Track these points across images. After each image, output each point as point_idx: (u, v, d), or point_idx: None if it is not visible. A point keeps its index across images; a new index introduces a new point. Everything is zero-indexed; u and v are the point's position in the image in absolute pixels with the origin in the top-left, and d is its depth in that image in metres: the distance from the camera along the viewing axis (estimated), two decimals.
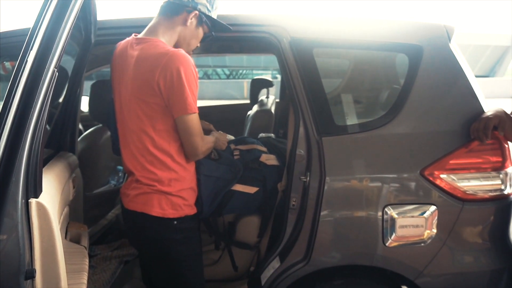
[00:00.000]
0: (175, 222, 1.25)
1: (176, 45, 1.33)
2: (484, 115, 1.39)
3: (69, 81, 1.44)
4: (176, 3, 1.27)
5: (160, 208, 1.22)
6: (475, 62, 26.73)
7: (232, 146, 1.60)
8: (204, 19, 1.32)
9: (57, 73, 0.78)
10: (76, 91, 1.43)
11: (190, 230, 1.32)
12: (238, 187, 1.49)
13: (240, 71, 25.61)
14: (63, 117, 1.42)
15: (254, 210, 1.61)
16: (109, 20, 1.65)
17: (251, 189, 1.52)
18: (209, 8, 1.32)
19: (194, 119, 1.20)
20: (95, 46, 1.46)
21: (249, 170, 1.53)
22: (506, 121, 1.38)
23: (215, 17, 1.36)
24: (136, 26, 1.58)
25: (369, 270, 1.52)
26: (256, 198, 1.55)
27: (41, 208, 0.78)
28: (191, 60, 1.20)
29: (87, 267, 0.97)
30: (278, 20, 1.49)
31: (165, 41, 1.27)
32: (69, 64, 1.49)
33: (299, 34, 1.46)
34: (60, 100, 1.53)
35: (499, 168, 1.43)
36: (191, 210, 1.32)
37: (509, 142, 1.45)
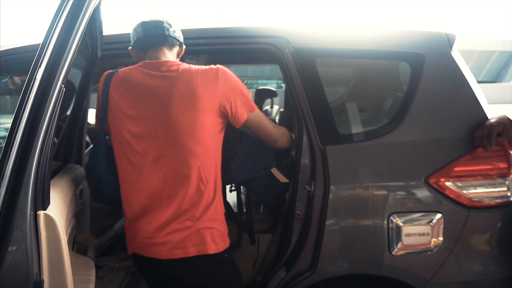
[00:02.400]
0: (226, 255, 1.15)
1: None
2: (488, 122, 1.39)
3: (76, 95, 1.47)
4: (172, 37, 1.31)
5: (214, 243, 1.11)
6: (482, 68, 26.58)
7: None
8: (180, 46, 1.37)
9: (64, 89, 0.81)
10: (83, 104, 1.46)
11: (233, 261, 1.23)
12: (273, 170, 1.48)
13: (245, 81, 25.78)
14: (70, 130, 1.44)
15: (270, 197, 1.58)
16: (115, 34, 1.70)
17: (283, 178, 1.50)
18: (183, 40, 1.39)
19: (260, 113, 1.30)
20: (101, 60, 1.50)
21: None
22: (509, 128, 1.38)
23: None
24: None
25: (376, 279, 1.51)
26: (279, 186, 1.49)
27: (49, 220, 0.80)
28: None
29: (93, 278, 0.98)
30: (280, 31, 1.51)
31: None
32: (77, 77, 1.52)
33: (301, 44, 1.48)
34: (68, 113, 1.56)
35: (505, 174, 1.42)
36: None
37: None
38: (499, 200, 1.42)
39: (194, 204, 1.08)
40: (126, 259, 2.52)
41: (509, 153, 1.43)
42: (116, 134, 1.17)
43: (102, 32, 1.28)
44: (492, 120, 1.39)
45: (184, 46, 1.37)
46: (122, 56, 1.68)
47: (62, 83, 0.79)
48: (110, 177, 1.19)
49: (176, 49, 1.33)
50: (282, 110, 2.89)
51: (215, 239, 1.12)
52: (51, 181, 1.02)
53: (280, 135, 1.37)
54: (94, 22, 1.17)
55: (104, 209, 2.16)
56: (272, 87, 3.11)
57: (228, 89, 1.16)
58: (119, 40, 1.63)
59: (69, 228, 1.00)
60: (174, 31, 1.31)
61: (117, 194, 1.17)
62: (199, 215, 1.09)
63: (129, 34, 1.68)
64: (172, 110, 1.11)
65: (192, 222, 1.08)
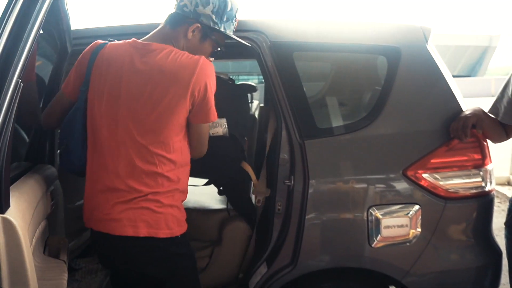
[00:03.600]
0: (179, 236, 1.16)
1: None
2: (463, 114, 1.42)
3: (46, 91, 1.41)
4: (179, 13, 1.17)
5: (168, 228, 1.12)
6: (456, 62, 27.38)
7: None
8: (209, 33, 1.19)
9: (21, 84, 0.76)
10: None
11: (187, 242, 1.23)
12: None
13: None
14: (40, 129, 1.38)
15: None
16: (87, 29, 1.64)
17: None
18: (216, 20, 1.18)
19: (207, 127, 1.23)
20: (73, 55, 1.44)
21: None
22: (483, 119, 1.41)
23: (228, 31, 1.22)
24: (115, 35, 1.57)
25: (357, 271, 1.52)
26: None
27: (8, 224, 0.75)
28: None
29: (65, 281, 0.94)
30: (257, 25, 1.49)
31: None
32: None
33: (278, 38, 1.47)
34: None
35: (479, 165, 1.45)
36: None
37: (487, 140, 1.48)
38: (474, 191, 1.45)
39: (152, 188, 1.10)
40: None
41: (483, 144, 1.46)
42: (90, 108, 1.17)
43: (69, 24, 1.23)
44: (467, 112, 1.42)
45: (199, 24, 1.16)
46: None
47: (19, 77, 0.74)
48: (83, 151, 1.19)
49: (182, 28, 1.16)
50: (262, 105, 2.87)
51: (169, 224, 1.13)
52: (17, 183, 0.97)
53: (205, 150, 1.28)
54: (59, 12, 1.11)
55: (80, 209, 2.10)
56: (253, 82, 3.08)
57: (200, 84, 1.12)
58: (91, 35, 1.58)
59: (38, 232, 0.96)
60: (185, 4, 1.15)
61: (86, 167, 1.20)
62: (156, 198, 1.11)
63: (101, 28, 1.62)
64: (140, 97, 1.10)
65: (148, 204, 1.10)
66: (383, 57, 1.55)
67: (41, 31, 1.25)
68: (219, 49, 1.26)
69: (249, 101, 2.71)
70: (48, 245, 1.10)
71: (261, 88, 3.00)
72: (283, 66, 1.45)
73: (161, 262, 1.14)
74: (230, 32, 1.24)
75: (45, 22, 1.17)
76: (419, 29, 1.54)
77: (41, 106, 1.44)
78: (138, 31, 1.56)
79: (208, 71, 1.12)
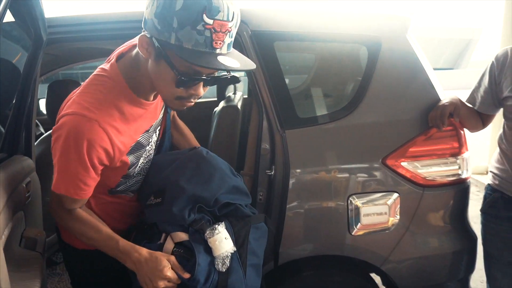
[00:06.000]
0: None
1: (141, 89, 1.00)
2: (441, 103, 1.44)
3: (21, 81, 1.37)
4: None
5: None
6: (440, 55, 27.76)
7: None
8: (160, 50, 0.84)
9: None
10: (28, 91, 1.36)
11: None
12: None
13: None
14: (15, 119, 1.34)
15: None
16: (63, 17, 1.59)
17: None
18: (159, 27, 0.81)
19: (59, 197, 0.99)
20: (49, 44, 1.40)
21: None
22: (460, 108, 1.44)
23: (186, 44, 0.81)
24: (95, 23, 1.53)
25: (338, 259, 1.54)
26: None
27: None
28: (77, 129, 0.89)
29: (40, 273, 0.93)
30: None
31: (124, 75, 0.98)
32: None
33: (259, 27, 1.46)
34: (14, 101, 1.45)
35: (456, 153, 1.48)
36: None
37: (464, 129, 1.51)
38: (451, 178, 1.48)
39: None
40: None
41: (460, 133, 1.49)
42: None
43: (42, 11, 1.19)
44: (445, 101, 1.44)
45: (146, 32, 0.86)
46: (72, 40, 1.60)
47: None
48: None
49: (140, 41, 0.87)
50: (245, 96, 2.86)
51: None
52: None
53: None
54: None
55: None
56: (238, 74, 3.06)
57: None
58: (68, 23, 1.54)
59: (11, 224, 0.93)
60: (146, 7, 0.86)
61: None
62: None
63: (78, 17, 1.58)
64: None
65: None
66: (363, 46, 1.55)
67: (13, 19, 1.22)
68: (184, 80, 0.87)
69: (233, 92, 2.71)
70: (24, 237, 1.08)
71: (245, 81, 2.99)
72: (264, 55, 1.45)
73: None
74: (188, 46, 0.80)
75: (16, 9, 1.14)
76: (399, 19, 1.55)
77: (15, 95, 1.40)
78: (117, 20, 1.53)
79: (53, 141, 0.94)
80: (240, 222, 1.11)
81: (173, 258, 0.99)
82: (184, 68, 0.86)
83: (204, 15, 0.79)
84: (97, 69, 1.02)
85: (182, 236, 1.04)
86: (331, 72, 1.99)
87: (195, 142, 1.40)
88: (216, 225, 1.04)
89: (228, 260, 1.03)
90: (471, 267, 1.55)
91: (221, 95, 2.80)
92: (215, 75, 0.94)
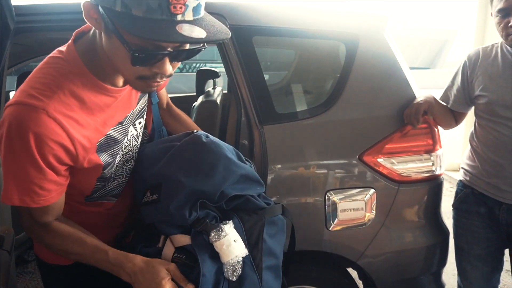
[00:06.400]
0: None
1: (101, 73, 0.84)
2: (415, 101, 1.47)
3: None
4: None
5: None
6: (418, 54, 28.44)
7: None
8: (110, 22, 0.69)
9: None
10: None
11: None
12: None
13: (194, 65, 25.11)
14: None
15: None
16: (35, 5, 1.53)
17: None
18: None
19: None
20: (17, 33, 1.34)
21: None
22: (434, 106, 1.47)
23: (136, 11, 0.66)
24: (68, 12, 1.48)
25: (316, 254, 1.55)
26: None
27: None
28: (22, 118, 0.73)
29: (6, 272, 0.89)
30: (216, 7, 1.45)
31: (82, 57, 0.82)
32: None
33: (238, 22, 1.44)
34: None
35: (430, 150, 1.51)
36: None
37: (438, 126, 1.55)
38: (425, 175, 1.51)
39: None
40: None
41: (434, 130, 1.52)
42: None
43: None
44: (419, 99, 1.47)
45: (96, 10, 0.71)
46: (42, 29, 1.54)
47: None
48: None
49: (86, 9, 0.72)
50: (225, 92, 2.85)
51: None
52: None
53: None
54: None
55: None
56: (219, 70, 3.04)
57: None
58: (39, 12, 1.48)
59: None
60: None
61: None
62: None
63: (50, 5, 1.52)
64: None
65: None
66: (341, 43, 1.56)
67: None
68: (141, 56, 0.72)
69: (212, 87, 2.68)
70: None
71: (225, 75, 2.96)
72: (242, 50, 1.43)
73: None
74: (138, 13, 0.65)
75: None
76: (377, 17, 1.57)
77: None
78: None
79: None
80: (252, 217, 0.93)
81: (173, 266, 0.83)
82: (139, 42, 0.69)
83: None
84: (53, 51, 0.85)
85: (183, 239, 0.87)
86: (311, 69, 2.00)
87: (194, 127, 1.22)
88: (223, 225, 0.87)
89: (240, 266, 0.87)
90: (443, 261, 1.60)
91: (200, 90, 2.77)
92: (186, 47, 0.76)
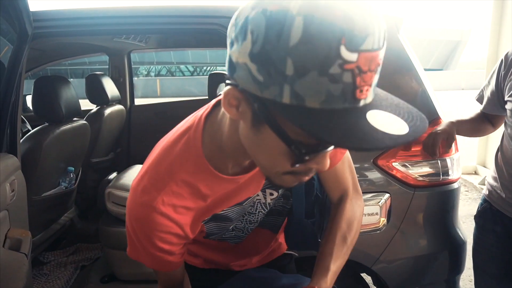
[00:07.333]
0: None
1: (223, 166, 0.72)
2: (433, 131, 1.39)
3: (5, 76, 1.33)
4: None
5: None
6: (430, 56, 28.12)
7: None
8: (268, 114, 0.51)
9: None
10: (13, 87, 1.33)
11: None
12: None
13: (205, 68, 25.26)
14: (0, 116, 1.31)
15: None
16: (52, 10, 1.56)
17: None
18: (256, 75, 0.48)
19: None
20: (34, 39, 1.37)
21: None
22: (453, 138, 1.39)
23: (309, 101, 0.47)
24: (84, 18, 1.50)
25: None
26: None
27: None
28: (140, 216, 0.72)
29: (24, 275, 0.90)
30: (229, 11, 1.45)
31: (206, 142, 0.70)
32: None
33: None
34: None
35: (446, 154, 1.48)
36: None
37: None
38: (440, 179, 1.48)
39: None
40: (75, 253, 2.40)
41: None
42: None
43: (26, 2, 1.15)
44: (439, 128, 1.40)
45: (234, 82, 0.53)
46: (57, 35, 1.56)
47: None
48: None
49: (227, 96, 0.56)
50: None
51: None
52: None
53: None
54: None
55: (47, 201, 2.03)
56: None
57: None
58: (56, 17, 1.51)
59: None
60: (231, 42, 0.53)
61: None
62: None
63: (67, 11, 1.54)
64: None
65: None
66: None
67: None
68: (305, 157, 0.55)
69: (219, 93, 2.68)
70: (9, 238, 1.05)
71: None
72: None
73: None
74: (314, 104, 0.47)
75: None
76: (391, 19, 1.55)
77: None
78: (107, 15, 1.50)
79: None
80: None
81: None
82: (302, 138, 0.53)
83: (342, 48, 0.45)
84: (185, 123, 0.75)
85: None
86: None
87: (343, 187, 0.90)
88: None
89: None
90: (458, 268, 1.56)
91: (211, 93, 2.77)
92: None
